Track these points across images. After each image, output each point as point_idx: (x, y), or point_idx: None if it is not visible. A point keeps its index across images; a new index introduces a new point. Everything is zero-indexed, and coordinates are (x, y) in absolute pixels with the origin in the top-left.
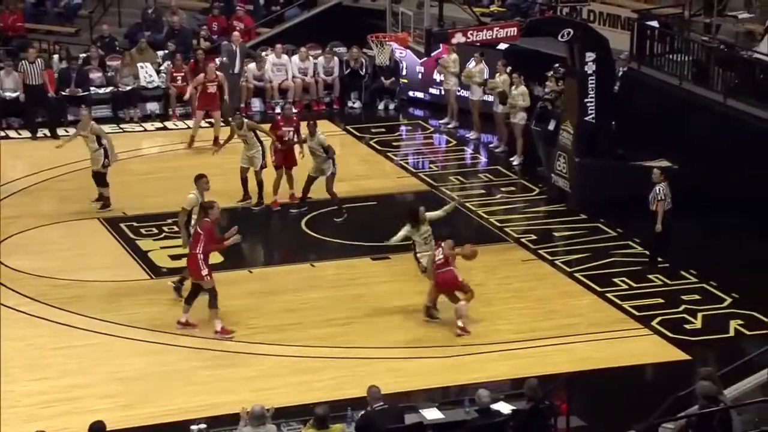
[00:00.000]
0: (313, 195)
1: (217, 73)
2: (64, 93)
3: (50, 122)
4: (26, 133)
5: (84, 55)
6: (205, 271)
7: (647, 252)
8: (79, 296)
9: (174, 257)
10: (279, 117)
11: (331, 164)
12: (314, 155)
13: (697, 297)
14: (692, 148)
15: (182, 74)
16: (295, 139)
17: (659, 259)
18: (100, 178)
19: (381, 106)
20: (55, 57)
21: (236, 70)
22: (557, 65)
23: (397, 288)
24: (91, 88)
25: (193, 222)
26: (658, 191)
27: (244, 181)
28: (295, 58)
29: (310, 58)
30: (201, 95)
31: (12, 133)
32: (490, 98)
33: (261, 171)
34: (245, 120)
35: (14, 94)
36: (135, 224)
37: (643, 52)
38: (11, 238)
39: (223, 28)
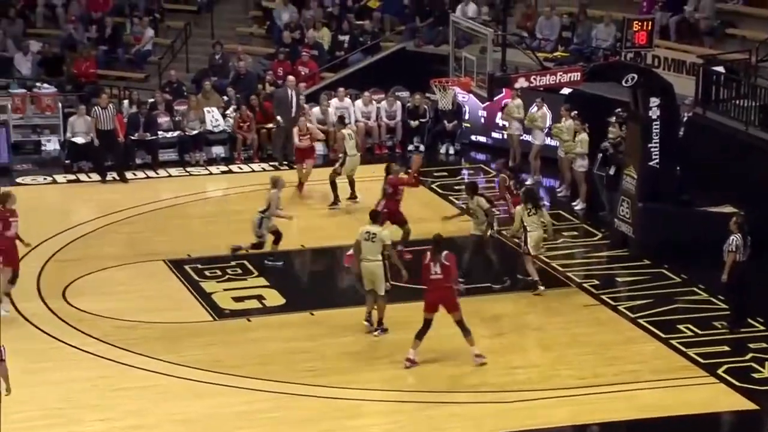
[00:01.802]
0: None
1: (309, 125)
2: (132, 137)
3: (119, 166)
4: (96, 177)
5: (152, 100)
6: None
7: (727, 306)
8: (143, 337)
9: (237, 299)
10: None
11: (489, 227)
12: (475, 217)
13: (764, 345)
14: (758, 193)
15: (247, 123)
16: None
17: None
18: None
19: (443, 150)
20: (125, 102)
21: (292, 114)
22: (619, 110)
23: (456, 332)
24: (159, 133)
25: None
26: (730, 241)
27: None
28: (359, 102)
29: (373, 102)
30: (296, 150)
31: (82, 177)
32: (553, 142)
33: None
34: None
35: (84, 140)
36: (199, 266)
37: (709, 98)
38: (79, 279)
39: (287, 72)
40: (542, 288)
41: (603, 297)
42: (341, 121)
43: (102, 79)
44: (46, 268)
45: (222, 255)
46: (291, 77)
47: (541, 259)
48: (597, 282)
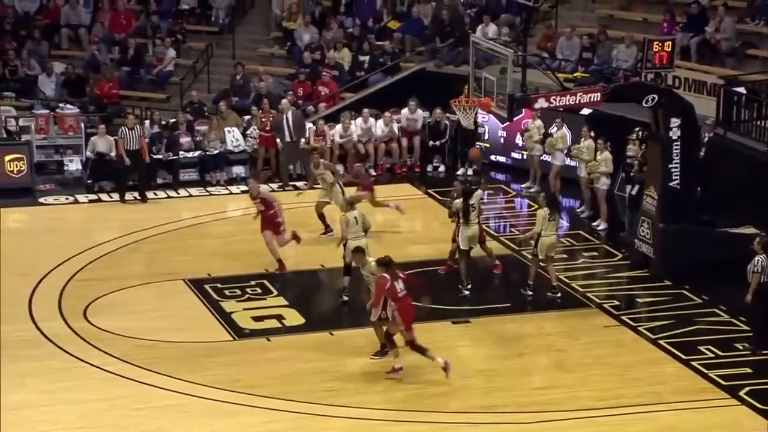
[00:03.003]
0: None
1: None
2: (155, 156)
3: (141, 186)
4: (116, 196)
5: (174, 120)
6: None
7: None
8: (162, 356)
9: (256, 319)
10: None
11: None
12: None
13: None
14: None
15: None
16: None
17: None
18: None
19: (461, 171)
20: (147, 123)
21: (287, 138)
22: (638, 129)
23: (476, 352)
24: (180, 152)
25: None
26: (755, 262)
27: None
28: (380, 122)
29: (394, 121)
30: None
31: (104, 197)
32: (573, 162)
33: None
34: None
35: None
36: (219, 285)
37: (730, 118)
38: (100, 299)
39: (308, 93)
40: (530, 293)
41: (623, 318)
42: (350, 204)
43: (124, 100)
44: (67, 287)
45: (241, 274)
46: (284, 101)
47: (562, 280)
48: (617, 303)
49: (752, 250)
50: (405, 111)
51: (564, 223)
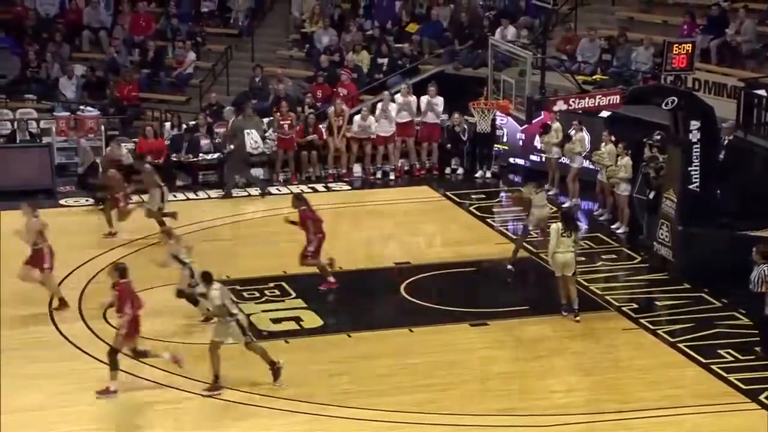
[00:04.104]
0: (412, 260)
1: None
2: (174, 159)
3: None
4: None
5: (193, 122)
6: None
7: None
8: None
9: (275, 320)
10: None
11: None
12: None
13: None
14: None
15: (289, 122)
16: None
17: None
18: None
19: (479, 174)
20: (167, 125)
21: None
22: (657, 133)
23: (494, 355)
24: (200, 155)
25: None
26: (765, 272)
27: None
28: (398, 96)
29: (410, 95)
30: None
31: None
32: (592, 165)
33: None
34: None
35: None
36: (237, 287)
37: (750, 121)
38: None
39: (327, 95)
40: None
41: (642, 321)
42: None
43: (144, 102)
44: (87, 289)
45: (260, 276)
46: (227, 108)
47: (581, 283)
48: (636, 306)
49: (752, 260)
50: (398, 96)
51: (583, 225)
